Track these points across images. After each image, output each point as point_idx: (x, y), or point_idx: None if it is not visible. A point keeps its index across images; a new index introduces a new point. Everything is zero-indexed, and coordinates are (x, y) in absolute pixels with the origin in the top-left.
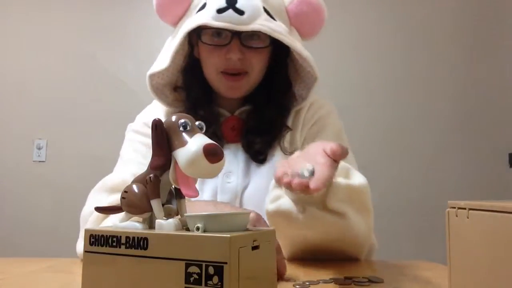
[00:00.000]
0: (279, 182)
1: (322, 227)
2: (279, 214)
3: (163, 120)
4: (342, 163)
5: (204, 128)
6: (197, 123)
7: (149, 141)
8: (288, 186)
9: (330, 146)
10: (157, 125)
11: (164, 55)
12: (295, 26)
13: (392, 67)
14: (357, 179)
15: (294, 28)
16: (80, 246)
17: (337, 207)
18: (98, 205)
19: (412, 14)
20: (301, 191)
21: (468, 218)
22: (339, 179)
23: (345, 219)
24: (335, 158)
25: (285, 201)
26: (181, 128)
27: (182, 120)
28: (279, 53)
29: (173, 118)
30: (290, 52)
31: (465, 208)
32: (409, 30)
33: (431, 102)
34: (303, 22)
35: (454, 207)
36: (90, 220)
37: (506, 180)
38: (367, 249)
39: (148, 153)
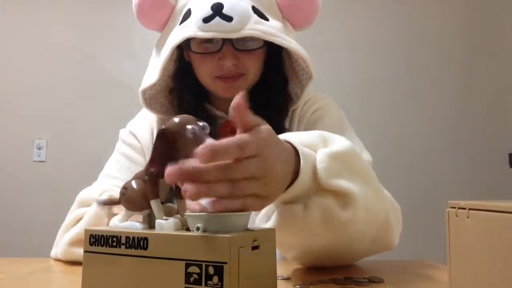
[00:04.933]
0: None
1: (334, 226)
2: (283, 221)
3: (154, 129)
4: (318, 132)
5: (208, 129)
6: (200, 124)
7: (131, 152)
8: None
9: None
10: (161, 135)
11: (153, 68)
12: (288, 19)
13: (392, 67)
14: (339, 143)
15: (287, 22)
16: (55, 251)
17: (336, 183)
18: (71, 215)
19: (412, 14)
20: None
21: (468, 218)
22: (321, 149)
23: (353, 196)
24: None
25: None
26: (190, 135)
27: (190, 127)
28: (274, 50)
29: (179, 121)
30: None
31: (465, 208)
32: (409, 30)
33: (431, 102)
34: (295, 14)
35: (454, 207)
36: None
37: (506, 180)
38: (397, 231)
39: (130, 166)
